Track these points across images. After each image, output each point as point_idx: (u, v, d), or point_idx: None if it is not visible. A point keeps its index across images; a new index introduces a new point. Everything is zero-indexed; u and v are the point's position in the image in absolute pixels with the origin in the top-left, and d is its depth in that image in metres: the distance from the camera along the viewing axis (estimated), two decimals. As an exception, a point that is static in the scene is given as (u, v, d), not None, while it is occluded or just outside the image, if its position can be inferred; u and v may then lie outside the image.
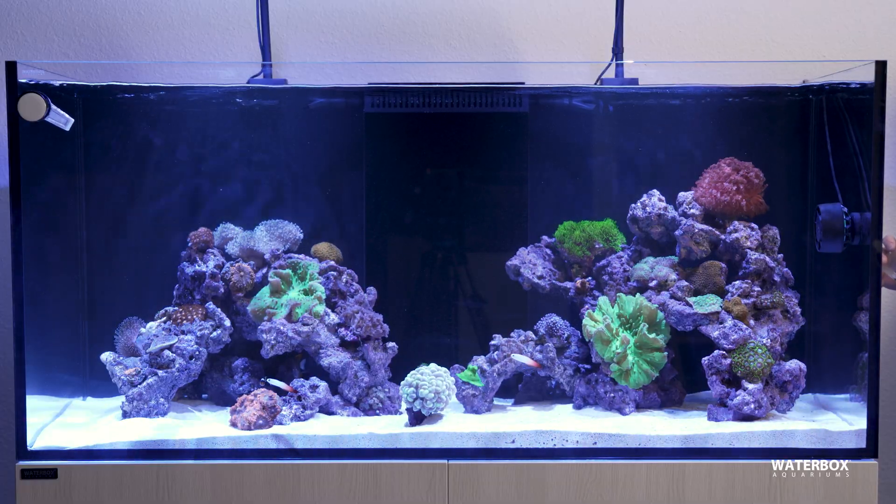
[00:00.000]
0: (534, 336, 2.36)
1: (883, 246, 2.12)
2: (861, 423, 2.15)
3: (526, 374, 2.42)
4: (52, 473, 2.09)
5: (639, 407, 2.33)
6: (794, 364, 2.24)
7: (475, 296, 2.54)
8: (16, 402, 2.13)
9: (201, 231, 2.43)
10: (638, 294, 2.35)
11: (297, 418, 2.25)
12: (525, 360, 2.28)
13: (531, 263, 2.43)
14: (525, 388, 2.44)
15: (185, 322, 2.34)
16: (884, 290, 2.16)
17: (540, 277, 2.42)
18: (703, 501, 2.11)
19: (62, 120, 2.18)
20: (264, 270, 2.41)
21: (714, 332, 2.26)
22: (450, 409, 2.30)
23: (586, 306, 2.38)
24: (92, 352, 2.43)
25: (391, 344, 2.36)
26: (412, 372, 2.26)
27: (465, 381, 2.32)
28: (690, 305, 2.29)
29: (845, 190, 2.28)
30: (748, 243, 2.31)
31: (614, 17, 2.39)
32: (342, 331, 2.35)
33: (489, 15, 2.62)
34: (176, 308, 2.38)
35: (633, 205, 2.41)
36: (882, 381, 2.17)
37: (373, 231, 2.51)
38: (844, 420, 2.25)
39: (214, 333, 2.33)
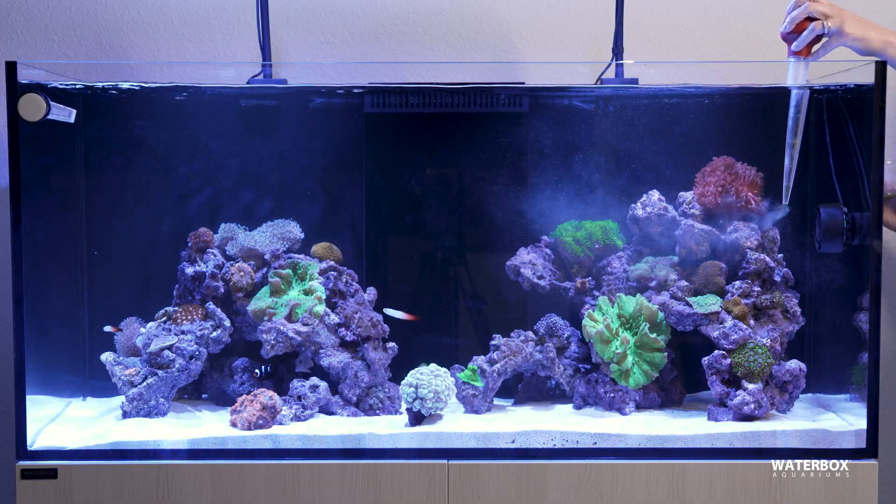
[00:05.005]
0: (534, 336, 2.36)
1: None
2: (861, 423, 2.15)
3: (526, 375, 2.42)
4: (52, 473, 2.09)
5: (639, 407, 2.33)
6: (794, 364, 2.24)
7: (475, 296, 2.53)
8: (16, 402, 2.13)
9: (201, 231, 2.42)
10: (638, 294, 2.35)
11: (297, 418, 2.25)
12: (398, 314, 2.32)
13: (531, 263, 2.43)
14: (525, 389, 2.44)
15: (185, 322, 2.34)
16: (884, 291, 2.15)
17: (540, 277, 2.42)
18: (703, 501, 2.11)
19: (65, 113, 2.17)
20: (264, 270, 2.41)
21: (714, 332, 2.26)
22: (450, 409, 2.30)
23: (586, 306, 2.38)
24: (92, 352, 2.43)
25: (391, 344, 2.36)
26: (412, 372, 2.26)
27: (465, 381, 2.32)
28: (690, 305, 2.29)
29: (845, 190, 2.27)
30: (748, 243, 2.31)
31: (614, 17, 2.39)
32: (342, 331, 2.35)
33: (489, 15, 2.62)
34: (176, 308, 2.38)
35: (633, 205, 2.41)
36: (881, 381, 2.16)
37: (373, 231, 2.51)
38: (844, 420, 2.25)
39: (214, 333, 2.33)
